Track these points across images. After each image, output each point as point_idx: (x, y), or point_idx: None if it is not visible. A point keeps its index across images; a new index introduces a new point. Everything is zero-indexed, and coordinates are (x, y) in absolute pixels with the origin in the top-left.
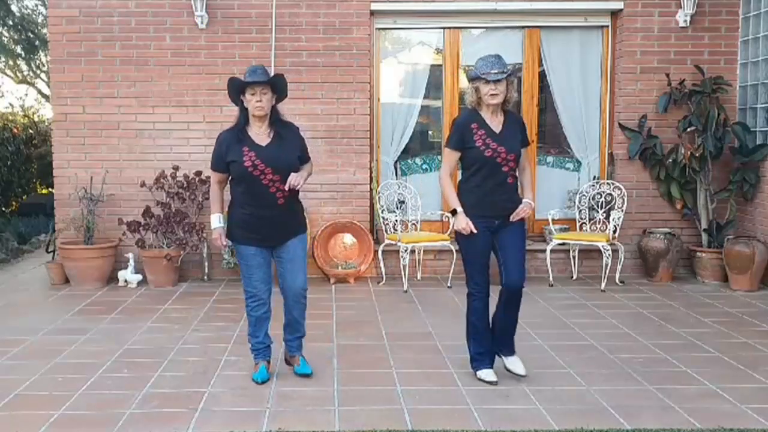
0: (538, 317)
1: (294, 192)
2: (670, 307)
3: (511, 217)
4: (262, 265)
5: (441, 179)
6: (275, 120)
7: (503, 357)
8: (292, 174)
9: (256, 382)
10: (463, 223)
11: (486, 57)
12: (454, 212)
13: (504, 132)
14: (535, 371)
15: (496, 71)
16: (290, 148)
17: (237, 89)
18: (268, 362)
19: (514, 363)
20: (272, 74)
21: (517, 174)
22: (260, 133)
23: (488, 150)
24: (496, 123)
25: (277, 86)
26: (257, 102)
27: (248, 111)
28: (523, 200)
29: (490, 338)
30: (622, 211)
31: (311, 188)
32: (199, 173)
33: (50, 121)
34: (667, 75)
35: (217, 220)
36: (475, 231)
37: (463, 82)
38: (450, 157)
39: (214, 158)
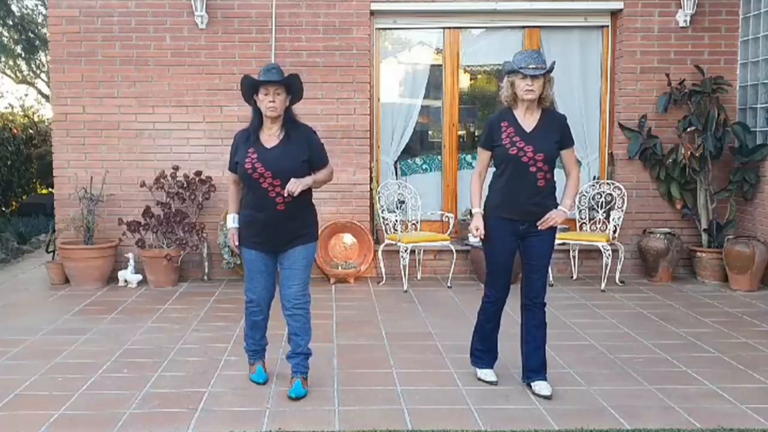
0: None
1: (298, 197)
2: (670, 307)
3: (538, 224)
4: (263, 272)
5: (472, 178)
6: (287, 121)
7: (531, 382)
8: (292, 179)
9: (256, 383)
10: (474, 224)
11: (525, 51)
12: (476, 213)
13: (536, 131)
14: None
15: (534, 66)
16: (295, 151)
17: (250, 88)
18: (263, 363)
19: (540, 386)
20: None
21: (549, 177)
22: (271, 135)
23: (513, 148)
24: (529, 121)
25: (292, 87)
26: (270, 102)
27: (261, 111)
28: (558, 207)
29: (496, 341)
30: (622, 211)
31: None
32: (199, 173)
33: (50, 121)
34: (667, 75)
35: (231, 220)
36: (479, 236)
37: (463, 83)
38: (481, 156)
39: (230, 158)
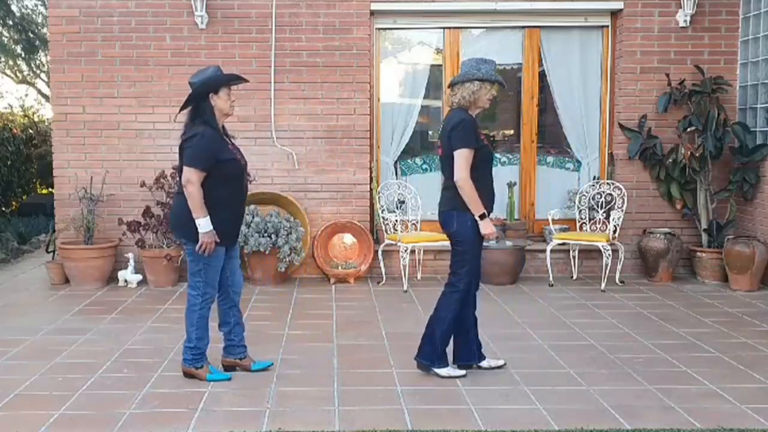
0: (538, 317)
1: None
2: (670, 307)
3: None
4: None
5: (465, 181)
6: None
7: (482, 362)
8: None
9: (225, 381)
10: (491, 230)
11: (489, 61)
12: (482, 216)
13: None
14: (535, 371)
15: (501, 79)
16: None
17: (217, 85)
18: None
19: (490, 361)
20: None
21: None
22: (222, 133)
23: (492, 149)
24: None
25: None
26: (233, 101)
27: (213, 110)
28: None
29: None
30: (622, 211)
31: (311, 188)
32: None
33: (50, 121)
34: (667, 75)
35: (210, 223)
36: (495, 239)
37: None
38: (469, 157)
39: (206, 156)
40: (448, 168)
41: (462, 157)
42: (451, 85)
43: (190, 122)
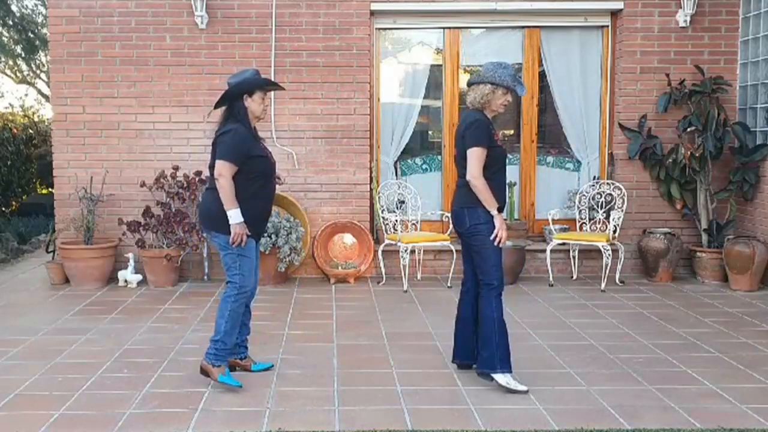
0: (538, 317)
1: None
2: (670, 307)
3: None
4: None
5: (477, 179)
6: None
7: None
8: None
9: (239, 388)
10: (504, 225)
11: (507, 66)
12: (498, 211)
13: None
14: (535, 371)
15: (522, 87)
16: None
17: (252, 88)
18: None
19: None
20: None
21: None
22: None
23: (505, 150)
24: None
25: None
26: (266, 105)
27: (246, 111)
28: None
29: None
30: (622, 211)
31: (311, 188)
32: (199, 173)
33: (50, 121)
34: (667, 75)
35: (240, 215)
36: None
37: (463, 83)
38: (482, 156)
39: (237, 151)
40: (461, 167)
41: (474, 156)
42: (468, 85)
43: (224, 120)
